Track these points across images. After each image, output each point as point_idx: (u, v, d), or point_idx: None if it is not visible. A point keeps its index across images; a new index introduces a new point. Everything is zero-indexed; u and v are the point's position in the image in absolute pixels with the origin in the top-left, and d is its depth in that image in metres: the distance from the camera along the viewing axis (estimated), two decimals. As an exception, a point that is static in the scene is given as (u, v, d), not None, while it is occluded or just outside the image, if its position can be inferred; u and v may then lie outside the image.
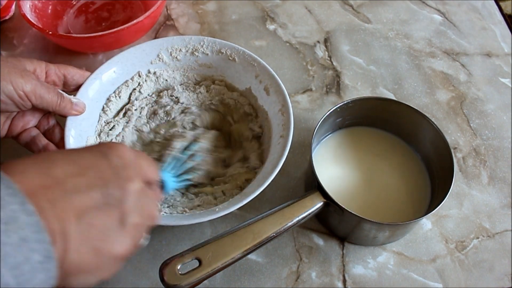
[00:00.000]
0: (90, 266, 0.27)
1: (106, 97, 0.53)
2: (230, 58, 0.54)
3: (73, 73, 0.49)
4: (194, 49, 0.55)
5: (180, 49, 0.55)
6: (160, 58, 0.55)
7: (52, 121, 0.49)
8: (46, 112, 0.49)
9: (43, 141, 0.48)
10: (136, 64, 0.54)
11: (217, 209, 0.42)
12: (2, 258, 0.21)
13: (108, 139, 0.51)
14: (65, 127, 0.47)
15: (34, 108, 0.45)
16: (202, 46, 0.55)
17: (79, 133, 0.48)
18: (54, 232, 0.24)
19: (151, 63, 0.55)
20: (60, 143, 0.48)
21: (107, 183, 0.29)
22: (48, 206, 0.25)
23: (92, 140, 0.50)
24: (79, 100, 0.48)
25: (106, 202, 0.28)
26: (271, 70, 0.52)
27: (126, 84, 0.54)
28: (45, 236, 0.23)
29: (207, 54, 0.55)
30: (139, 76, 0.55)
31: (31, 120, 0.48)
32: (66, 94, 0.47)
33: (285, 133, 0.47)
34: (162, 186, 0.41)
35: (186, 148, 0.50)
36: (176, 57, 0.55)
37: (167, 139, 0.51)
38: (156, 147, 0.51)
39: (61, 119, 0.49)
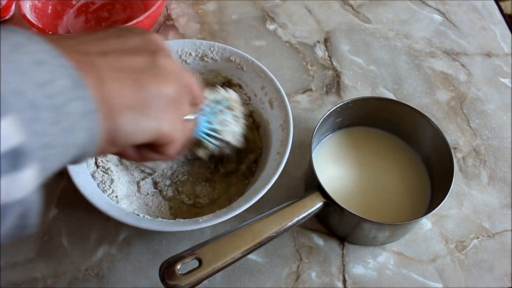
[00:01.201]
0: (136, 100, 0.25)
1: None
2: (239, 66, 0.54)
3: None
4: (204, 54, 0.55)
5: (190, 53, 0.55)
6: None
7: None
8: None
9: None
10: None
11: (200, 220, 0.42)
12: (20, 73, 0.19)
13: None
14: None
15: None
16: (212, 52, 0.55)
17: None
18: (80, 63, 0.22)
19: None
20: None
21: (122, 35, 0.27)
22: (69, 47, 0.23)
23: None
24: None
25: (128, 47, 0.26)
26: (278, 83, 0.51)
27: None
28: (62, 60, 0.21)
29: (217, 60, 0.55)
30: None
31: None
32: None
33: (282, 150, 0.46)
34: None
35: (217, 102, 0.46)
36: (186, 61, 0.55)
37: None
38: None
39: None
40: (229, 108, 0.46)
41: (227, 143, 0.45)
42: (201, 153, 0.45)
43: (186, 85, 0.30)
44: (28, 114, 0.19)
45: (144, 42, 0.28)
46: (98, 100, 0.23)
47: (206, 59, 0.55)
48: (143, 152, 0.31)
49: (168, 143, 0.29)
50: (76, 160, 0.24)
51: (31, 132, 0.19)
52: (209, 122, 0.43)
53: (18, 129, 0.18)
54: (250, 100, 0.55)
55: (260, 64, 0.53)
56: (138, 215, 0.45)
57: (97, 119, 0.23)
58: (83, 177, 0.45)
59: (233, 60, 0.54)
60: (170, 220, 0.44)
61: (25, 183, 0.19)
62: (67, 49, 0.22)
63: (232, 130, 0.45)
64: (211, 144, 0.44)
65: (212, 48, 0.55)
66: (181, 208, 0.50)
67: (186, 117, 0.32)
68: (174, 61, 0.29)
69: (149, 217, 0.45)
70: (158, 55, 0.28)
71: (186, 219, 0.43)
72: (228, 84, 0.56)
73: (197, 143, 0.44)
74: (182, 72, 0.30)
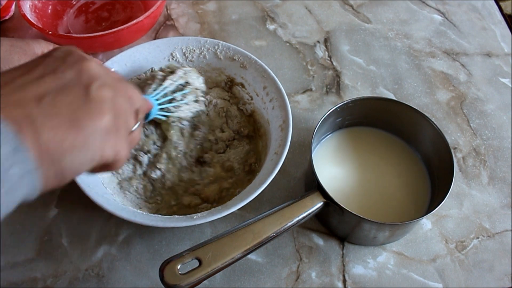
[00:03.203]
0: (75, 141, 0.26)
1: None
2: (242, 65, 0.54)
3: None
4: (208, 52, 0.55)
5: (194, 50, 0.55)
6: (173, 57, 0.55)
7: None
8: None
9: None
10: (149, 59, 0.55)
11: (194, 217, 0.42)
12: None
13: None
14: None
15: None
16: (216, 50, 0.55)
17: None
18: (17, 120, 0.23)
19: (164, 59, 0.55)
20: None
21: (56, 70, 0.28)
22: (3, 101, 0.24)
23: None
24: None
25: (62, 85, 0.27)
26: (279, 84, 0.51)
27: (138, 78, 0.55)
28: (5, 126, 0.22)
29: (220, 59, 0.55)
30: (152, 72, 0.55)
31: None
32: None
33: (280, 150, 0.46)
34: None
35: (177, 88, 0.49)
36: (190, 58, 0.55)
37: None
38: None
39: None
40: (181, 88, 0.49)
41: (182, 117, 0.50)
42: (170, 133, 0.50)
43: (127, 97, 0.32)
44: None
45: (77, 75, 0.28)
46: (38, 153, 0.24)
47: (209, 57, 0.55)
48: (96, 169, 0.32)
49: (113, 163, 0.31)
50: (15, 206, 0.25)
51: None
52: (160, 104, 0.47)
53: None
54: (252, 99, 0.55)
55: (263, 64, 0.53)
56: (136, 209, 0.46)
57: (38, 173, 0.24)
58: None
59: (237, 59, 0.54)
60: (165, 216, 0.44)
61: None
62: (4, 100, 0.24)
63: (185, 106, 0.49)
64: (170, 119, 0.49)
65: (216, 47, 0.55)
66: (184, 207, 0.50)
67: (132, 129, 0.33)
68: (108, 84, 0.29)
69: (143, 212, 0.45)
70: (91, 88, 0.28)
71: (181, 216, 0.44)
72: (231, 83, 0.56)
73: (164, 126, 0.50)
74: (118, 90, 0.30)
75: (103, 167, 0.31)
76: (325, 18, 0.72)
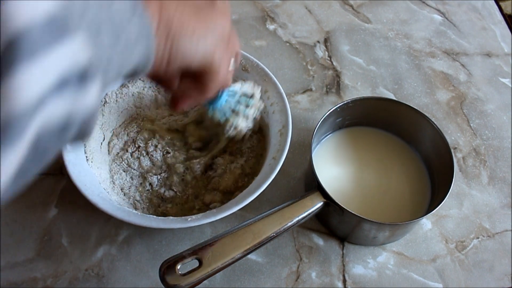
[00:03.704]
0: (195, 28, 0.28)
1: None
2: (244, 68, 0.54)
3: None
4: None
5: None
6: None
7: None
8: None
9: None
10: None
11: (189, 219, 0.42)
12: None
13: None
14: None
15: None
16: None
17: None
18: None
19: None
20: None
21: None
22: None
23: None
24: None
25: None
26: (281, 88, 0.51)
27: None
28: None
29: None
30: None
31: None
32: None
33: (277, 156, 0.46)
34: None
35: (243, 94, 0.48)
36: None
37: None
38: None
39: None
40: (247, 99, 0.47)
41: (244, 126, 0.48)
42: (240, 122, 0.47)
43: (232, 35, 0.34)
44: (92, 32, 0.20)
45: None
46: (158, 23, 0.26)
47: None
48: (185, 83, 0.34)
49: (213, 73, 0.32)
50: (128, 76, 0.27)
51: (95, 49, 0.20)
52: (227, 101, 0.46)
53: (84, 47, 0.19)
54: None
55: (264, 67, 0.53)
56: (131, 209, 0.46)
57: (154, 41, 0.25)
58: (79, 168, 0.45)
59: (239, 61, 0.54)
60: (159, 217, 0.44)
61: (91, 96, 0.21)
62: None
63: (243, 118, 0.47)
64: (228, 124, 0.46)
65: None
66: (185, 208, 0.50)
67: (230, 67, 0.35)
68: (229, 6, 0.33)
69: (139, 213, 0.45)
70: (217, 1, 0.31)
71: (176, 217, 0.44)
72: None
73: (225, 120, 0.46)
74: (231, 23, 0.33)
75: (200, 77, 0.32)
76: (325, 18, 0.72)
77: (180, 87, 0.35)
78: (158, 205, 0.49)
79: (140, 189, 0.50)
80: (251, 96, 0.47)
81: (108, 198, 0.46)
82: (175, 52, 0.28)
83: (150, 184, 0.50)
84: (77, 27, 0.19)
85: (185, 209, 0.49)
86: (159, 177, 0.50)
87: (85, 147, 0.49)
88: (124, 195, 0.49)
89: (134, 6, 0.23)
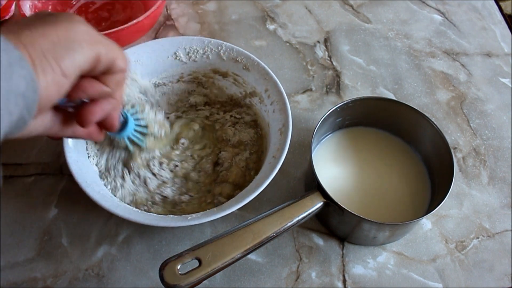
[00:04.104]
0: (61, 36, 0.28)
1: None
2: (245, 67, 0.54)
3: None
4: (211, 52, 0.55)
5: (198, 50, 0.55)
6: (177, 56, 0.55)
7: None
8: None
9: None
10: (152, 58, 0.54)
11: (189, 218, 0.42)
12: None
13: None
14: None
15: None
16: (219, 51, 0.55)
17: None
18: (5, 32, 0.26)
19: (168, 58, 0.55)
20: None
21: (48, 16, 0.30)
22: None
23: None
24: None
25: (49, 17, 0.30)
26: (281, 87, 0.51)
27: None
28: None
29: (224, 60, 0.55)
30: None
31: None
32: None
33: (278, 154, 0.46)
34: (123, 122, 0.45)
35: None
36: (193, 58, 0.55)
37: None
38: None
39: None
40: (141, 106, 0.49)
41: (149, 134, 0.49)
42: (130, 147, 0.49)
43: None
44: None
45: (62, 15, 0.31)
46: (23, 48, 0.26)
47: (212, 57, 0.55)
48: (98, 84, 0.33)
49: (110, 62, 0.32)
50: (24, 114, 0.26)
51: None
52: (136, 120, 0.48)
53: None
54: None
55: (265, 66, 0.53)
56: (132, 207, 0.46)
57: (30, 66, 0.26)
58: (80, 164, 0.45)
59: (240, 60, 0.54)
60: (160, 215, 0.44)
61: None
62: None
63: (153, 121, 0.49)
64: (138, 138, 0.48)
65: (220, 47, 0.55)
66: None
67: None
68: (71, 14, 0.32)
69: (139, 210, 0.45)
70: (75, 18, 0.31)
71: (176, 216, 0.44)
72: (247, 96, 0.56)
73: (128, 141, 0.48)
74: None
75: (106, 72, 0.33)
76: (325, 18, 0.72)
77: (95, 88, 0.34)
78: (172, 208, 0.49)
79: (150, 203, 0.49)
80: (142, 110, 0.49)
81: (109, 196, 0.46)
82: (62, 65, 0.28)
83: (164, 196, 0.50)
84: None
85: (201, 205, 0.49)
86: (173, 188, 0.50)
87: (87, 144, 0.49)
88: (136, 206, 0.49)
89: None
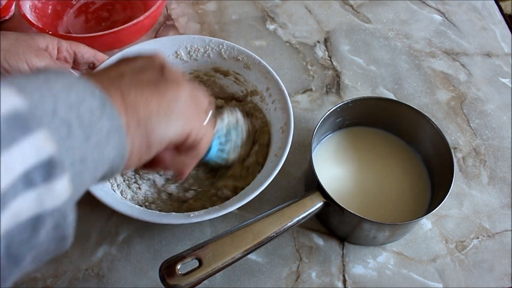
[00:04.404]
0: (160, 105, 0.28)
1: None
2: (246, 66, 0.54)
3: (84, 51, 0.51)
4: (212, 51, 0.55)
5: (199, 49, 0.55)
6: (178, 55, 0.55)
7: None
8: None
9: None
10: None
11: (191, 215, 0.42)
12: (55, 96, 0.21)
13: None
14: None
15: None
16: (220, 50, 0.55)
17: None
18: (103, 84, 0.25)
19: (169, 57, 0.55)
20: None
21: (130, 61, 0.30)
22: (91, 76, 0.26)
23: None
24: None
25: (138, 67, 0.29)
26: (282, 85, 0.51)
27: None
28: (91, 85, 0.24)
29: (225, 59, 0.55)
30: None
31: None
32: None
33: (280, 153, 0.46)
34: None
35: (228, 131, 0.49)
36: (194, 57, 0.55)
37: None
38: None
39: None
40: (235, 129, 0.49)
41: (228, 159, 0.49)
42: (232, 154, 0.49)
43: (197, 88, 0.34)
44: (61, 131, 0.20)
45: (149, 62, 0.31)
46: (124, 114, 0.25)
47: (213, 56, 0.55)
48: (177, 156, 0.34)
49: (195, 141, 0.32)
50: (107, 175, 0.26)
51: (63, 146, 0.20)
52: (220, 144, 0.47)
53: (51, 143, 0.20)
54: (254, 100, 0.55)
55: (266, 64, 0.53)
56: (136, 205, 0.46)
57: (126, 135, 0.25)
58: None
59: (241, 59, 0.54)
60: (162, 213, 0.44)
61: (58, 193, 0.20)
62: (89, 75, 0.26)
63: (235, 148, 0.49)
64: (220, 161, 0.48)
65: (220, 46, 0.55)
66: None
67: (205, 122, 0.35)
68: (179, 73, 0.32)
69: (141, 208, 0.45)
70: (165, 69, 0.31)
71: (178, 213, 0.44)
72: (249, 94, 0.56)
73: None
74: (189, 82, 0.33)
75: (187, 148, 0.33)
76: (325, 18, 0.72)
77: (173, 161, 0.34)
78: (180, 206, 0.49)
79: (158, 201, 0.49)
80: (237, 122, 0.49)
81: (111, 192, 0.46)
82: (150, 137, 0.27)
83: (169, 194, 0.50)
84: (41, 124, 0.19)
85: (211, 199, 0.49)
86: (177, 184, 0.50)
87: None
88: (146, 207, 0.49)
89: (103, 104, 0.23)
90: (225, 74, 0.56)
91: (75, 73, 0.50)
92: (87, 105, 0.22)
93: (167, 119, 0.28)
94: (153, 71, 0.30)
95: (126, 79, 0.27)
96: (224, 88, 0.57)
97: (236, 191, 0.47)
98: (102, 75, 0.28)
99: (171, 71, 0.31)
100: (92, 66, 0.53)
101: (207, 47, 0.55)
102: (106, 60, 0.52)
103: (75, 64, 0.51)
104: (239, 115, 0.50)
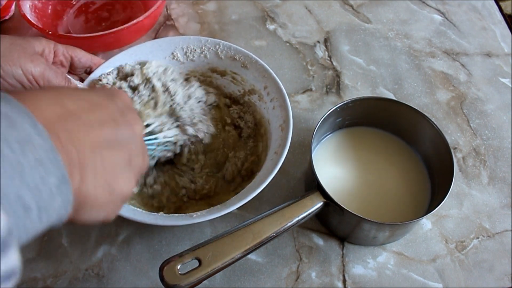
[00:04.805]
0: (102, 201, 0.27)
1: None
2: (243, 65, 0.54)
3: (80, 55, 0.50)
4: (209, 51, 0.55)
5: (195, 50, 0.55)
6: (174, 56, 0.55)
7: None
8: None
9: None
10: (150, 58, 0.54)
11: (194, 215, 0.42)
12: (21, 176, 0.21)
13: None
14: None
15: None
16: (217, 50, 0.55)
17: None
18: (71, 161, 0.24)
19: (165, 59, 0.55)
20: None
21: (117, 122, 0.29)
22: (65, 135, 0.25)
23: None
24: (85, 87, 0.49)
25: (117, 140, 0.28)
26: (280, 84, 0.51)
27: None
28: (59, 160, 0.23)
29: (221, 58, 0.55)
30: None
31: None
32: (74, 80, 0.48)
33: (279, 150, 0.46)
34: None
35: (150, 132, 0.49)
36: (191, 57, 0.55)
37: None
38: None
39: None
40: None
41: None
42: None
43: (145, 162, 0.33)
44: (19, 214, 0.21)
45: (131, 137, 0.30)
46: (73, 194, 0.25)
47: (210, 56, 0.55)
48: None
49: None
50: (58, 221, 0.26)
51: (17, 224, 0.21)
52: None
53: (7, 224, 0.20)
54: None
55: (264, 63, 0.53)
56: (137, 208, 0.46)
57: (68, 211, 0.25)
58: None
59: (238, 58, 0.54)
60: (164, 215, 0.44)
61: (13, 261, 0.20)
62: (66, 136, 0.24)
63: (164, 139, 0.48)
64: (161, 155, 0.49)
65: (217, 46, 0.55)
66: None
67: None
68: (141, 154, 0.32)
69: (143, 211, 0.45)
70: (133, 157, 0.30)
71: (180, 214, 0.44)
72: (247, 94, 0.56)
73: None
74: (144, 156, 0.33)
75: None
76: (325, 18, 0.72)
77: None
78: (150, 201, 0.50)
79: (174, 199, 0.50)
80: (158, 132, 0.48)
81: None
82: (76, 219, 0.27)
83: (184, 189, 0.50)
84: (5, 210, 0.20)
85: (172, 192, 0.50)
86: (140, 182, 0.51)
87: None
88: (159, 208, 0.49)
89: (61, 182, 0.23)
90: (222, 74, 0.56)
91: (72, 79, 0.49)
92: (48, 183, 0.22)
93: (98, 213, 0.28)
94: (126, 153, 0.29)
95: (97, 155, 0.27)
96: (221, 89, 0.57)
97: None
98: (80, 133, 0.26)
99: (136, 157, 0.30)
100: (89, 70, 0.52)
101: (203, 48, 0.55)
102: (103, 63, 0.52)
103: (72, 68, 0.50)
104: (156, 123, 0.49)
